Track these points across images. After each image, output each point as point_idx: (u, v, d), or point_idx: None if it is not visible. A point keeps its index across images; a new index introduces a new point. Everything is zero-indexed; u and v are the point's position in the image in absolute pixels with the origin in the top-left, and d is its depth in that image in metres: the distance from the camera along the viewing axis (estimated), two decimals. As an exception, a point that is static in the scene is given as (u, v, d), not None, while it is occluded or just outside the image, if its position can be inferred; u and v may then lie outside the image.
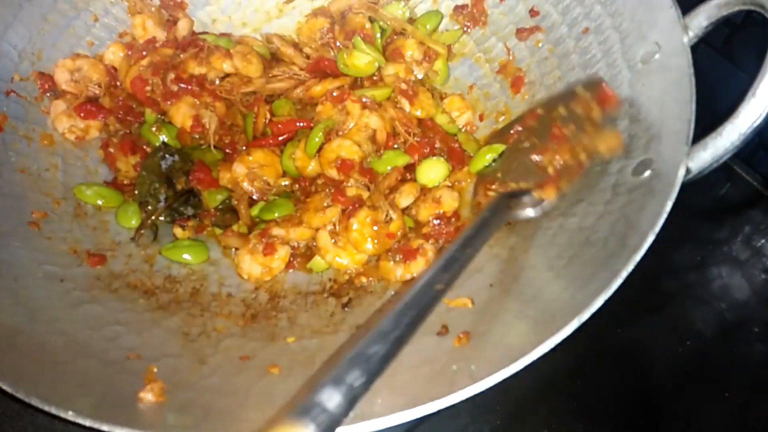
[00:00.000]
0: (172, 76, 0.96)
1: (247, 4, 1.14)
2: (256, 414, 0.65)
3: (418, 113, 1.00)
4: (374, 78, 1.05)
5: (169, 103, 0.95)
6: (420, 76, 1.06)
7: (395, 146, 0.98)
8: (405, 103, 1.00)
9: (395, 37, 1.09)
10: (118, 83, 1.02)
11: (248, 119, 0.97)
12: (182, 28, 1.05)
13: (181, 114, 0.95)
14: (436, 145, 0.98)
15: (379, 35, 1.07)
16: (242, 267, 0.89)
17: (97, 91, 1.00)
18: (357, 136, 0.96)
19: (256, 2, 1.13)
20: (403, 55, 1.06)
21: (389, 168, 0.95)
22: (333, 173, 0.92)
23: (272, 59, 1.07)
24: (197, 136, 0.96)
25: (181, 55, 0.99)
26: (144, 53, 1.02)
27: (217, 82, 1.00)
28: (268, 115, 0.99)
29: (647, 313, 0.98)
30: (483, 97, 1.06)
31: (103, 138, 0.99)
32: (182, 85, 0.96)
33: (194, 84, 0.96)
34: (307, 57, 1.05)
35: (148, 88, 0.97)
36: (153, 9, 1.06)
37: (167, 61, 0.99)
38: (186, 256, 0.90)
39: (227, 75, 1.01)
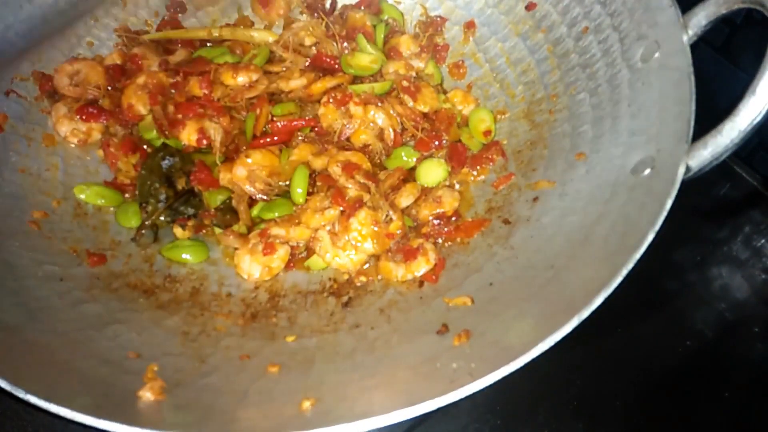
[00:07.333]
0: (171, 108, 0.95)
1: (247, 4, 1.14)
2: (255, 413, 0.65)
3: (422, 107, 1.01)
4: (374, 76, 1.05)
5: (174, 131, 0.95)
6: (422, 65, 1.07)
7: (404, 141, 1.00)
8: (408, 100, 1.00)
9: (390, 35, 1.10)
10: (117, 84, 1.02)
11: (249, 120, 0.97)
12: (178, 55, 1.04)
13: (187, 133, 0.94)
14: (444, 139, 0.99)
15: (382, 35, 1.08)
16: (242, 267, 0.89)
17: (96, 94, 1.00)
18: (364, 134, 0.96)
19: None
20: (401, 52, 1.06)
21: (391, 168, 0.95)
22: (337, 170, 0.92)
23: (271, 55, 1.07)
24: (203, 149, 0.96)
25: (184, 79, 0.98)
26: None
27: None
28: (270, 116, 0.99)
29: (647, 313, 0.98)
30: (482, 96, 1.06)
31: (103, 138, 0.99)
32: (185, 115, 0.95)
33: (198, 106, 0.95)
34: (306, 56, 1.06)
35: (144, 112, 0.97)
36: (147, 41, 1.06)
37: (165, 87, 0.97)
38: (186, 256, 0.90)
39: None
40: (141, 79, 0.97)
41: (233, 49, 1.06)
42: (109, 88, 1.02)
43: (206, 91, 0.96)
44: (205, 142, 0.94)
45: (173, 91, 0.97)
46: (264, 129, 0.98)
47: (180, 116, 0.94)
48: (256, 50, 1.05)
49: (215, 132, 0.94)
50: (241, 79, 0.98)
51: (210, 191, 0.93)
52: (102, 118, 0.99)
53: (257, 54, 1.04)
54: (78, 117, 0.97)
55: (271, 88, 1.00)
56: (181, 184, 0.94)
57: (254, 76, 0.99)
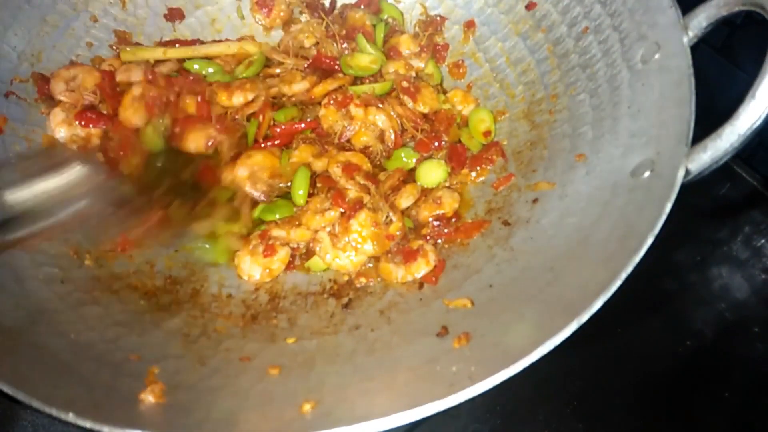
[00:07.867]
0: (167, 121, 0.94)
1: (246, 2, 1.14)
2: (256, 415, 0.65)
3: (422, 108, 1.01)
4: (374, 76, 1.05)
5: (174, 143, 0.94)
6: (422, 65, 1.07)
7: (404, 142, 1.00)
8: (408, 101, 1.00)
9: (390, 35, 1.10)
10: (117, 88, 1.00)
11: (252, 126, 0.97)
12: (166, 66, 1.03)
13: (192, 143, 0.94)
14: (444, 139, 0.99)
15: (382, 35, 1.08)
16: (242, 268, 0.89)
17: (93, 99, 0.98)
18: (365, 136, 0.97)
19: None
20: (401, 52, 1.06)
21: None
22: (337, 171, 0.92)
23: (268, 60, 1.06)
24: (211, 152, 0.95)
25: (178, 97, 0.97)
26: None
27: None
28: (273, 121, 0.99)
29: (647, 313, 0.98)
30: (482, 96, 1.06)
31: (102, 143, 0.98)
32: (184, 128, 0.94)
33: (197, 120, 0.95)
34: (305, 57, 1.05)
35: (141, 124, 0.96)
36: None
37: (161, 99, 0.96)
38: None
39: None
40: (138, 91, 0.97)
41: (226, 62, 1.05)
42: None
43: (203, 112, 0.96)
44: (211, 143, 0.94)
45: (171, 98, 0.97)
46: (265, 133, 0.98)
47: (179, 130, 0.94)
48: (252, 58, 1.04)
49: (221, 137, 0.94)
50: (237, 99, 0.97)
51: (219, 188, 0.93)
52: (101, 123, 0.98)
53: (253, 62, 1.03)
54: (77, 122, 0.97)
55: (272, 92, 0.99)
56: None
57: (250, 96, 0.97)
